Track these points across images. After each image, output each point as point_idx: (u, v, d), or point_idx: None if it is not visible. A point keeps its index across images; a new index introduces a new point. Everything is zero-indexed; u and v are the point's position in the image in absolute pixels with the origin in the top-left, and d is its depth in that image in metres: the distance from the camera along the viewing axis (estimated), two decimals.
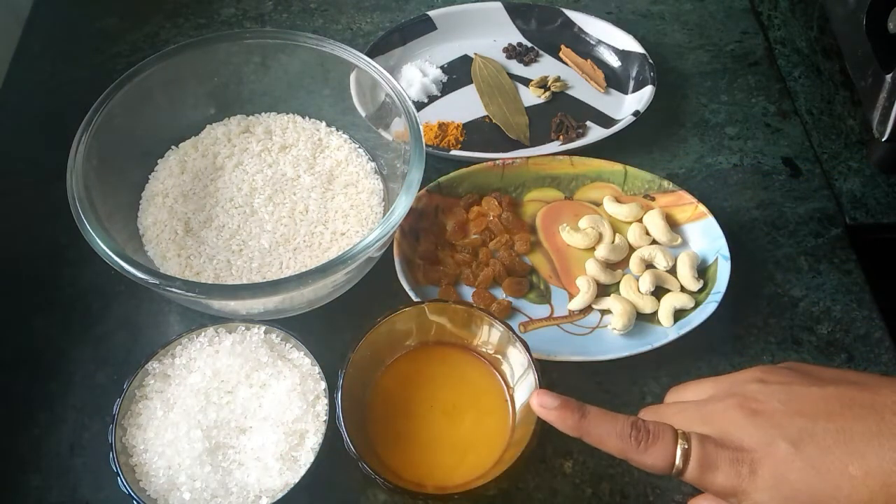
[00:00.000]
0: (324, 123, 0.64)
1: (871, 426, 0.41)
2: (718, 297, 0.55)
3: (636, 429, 0.43)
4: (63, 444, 0.52)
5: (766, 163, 0.66)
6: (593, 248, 0.59)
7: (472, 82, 0.71)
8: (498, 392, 0.50)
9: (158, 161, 0.61)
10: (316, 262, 0.56)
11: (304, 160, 0.61)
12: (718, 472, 0.42)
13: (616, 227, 0.61)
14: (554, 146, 0.65)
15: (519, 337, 0.48)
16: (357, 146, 0.63)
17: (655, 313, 0.56)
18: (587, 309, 0.57)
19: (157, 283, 0.48)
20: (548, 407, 0.44)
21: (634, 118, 0.66)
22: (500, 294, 0.57)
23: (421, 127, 0.55)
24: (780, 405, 0.43)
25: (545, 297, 0.58)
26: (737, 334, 0.56)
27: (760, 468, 0.41)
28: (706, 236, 0.59)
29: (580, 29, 0.74)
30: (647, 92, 0.67)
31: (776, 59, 0.74)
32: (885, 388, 0.42)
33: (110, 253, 0.48)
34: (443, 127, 0.67)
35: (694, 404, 0.45)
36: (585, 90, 0.71)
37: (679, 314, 0.56)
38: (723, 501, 0.43)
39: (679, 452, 0.42)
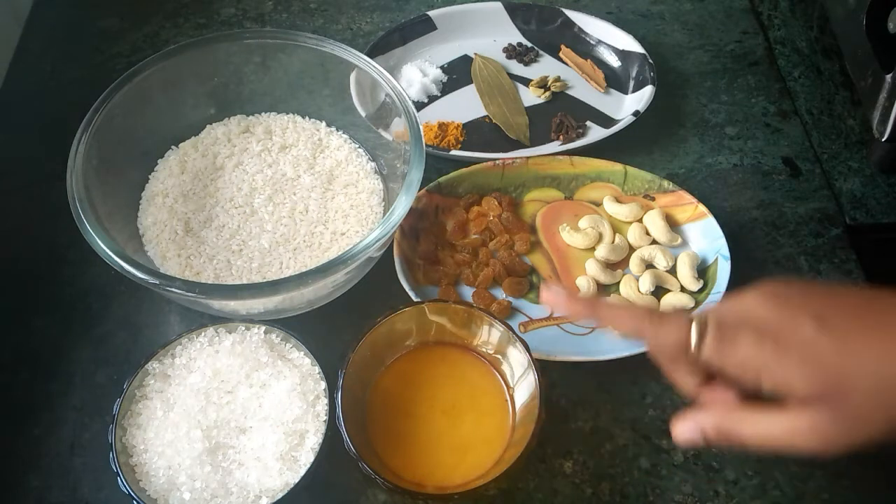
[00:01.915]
0: (324, 123, 0.64)
1: (888, 313, 0.41)
2: (718, 297, 0.55)
3: (650, 311, 0.44)
4: (63, 444, 0.52)
5: (766, 163, 0.66)
6: (593, 248, 0.59)
7: (472, 82, 0.71)
8: (498, 392, 0.50)
9: (158, 161, 0.61)
10: (316, 262, 0.56)
11: (304, 160, 0.61)
12: (739, 346, 0.41)
13: (616, 227, 0.61)
14: (554, 146, 0.65)
15: (519, 337, 0.48)
16: (357, 146, 0.63)
17: None
18: None
19: (157, 283, 0.48)
20: (558, 296, 0.45)
21: (634, 118, 0.66)
22: (500, 294, 0.57)
23: (421, 127, 0.55)
24: (800, 295, 0.42)
25: None
26: None
27: (785, 343, 0.40)
28: (706, 236, 0.59)
29: (580, 29, 0.74)
30: (647, 92, 0.67)
31: (776, 59, 0.74)
32: None
33: (110, 253, 0.48)
34: (443, 127, 0.67)
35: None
36: (585, 90, 0.71)
37: None
38: (737, 385, 0.42)
39: (695, 328, 0.42)
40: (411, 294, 0.55)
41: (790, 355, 0.40)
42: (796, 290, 0.43)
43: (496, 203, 0.61)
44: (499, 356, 0.50)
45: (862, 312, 0.42)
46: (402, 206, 0.51)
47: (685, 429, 0.43)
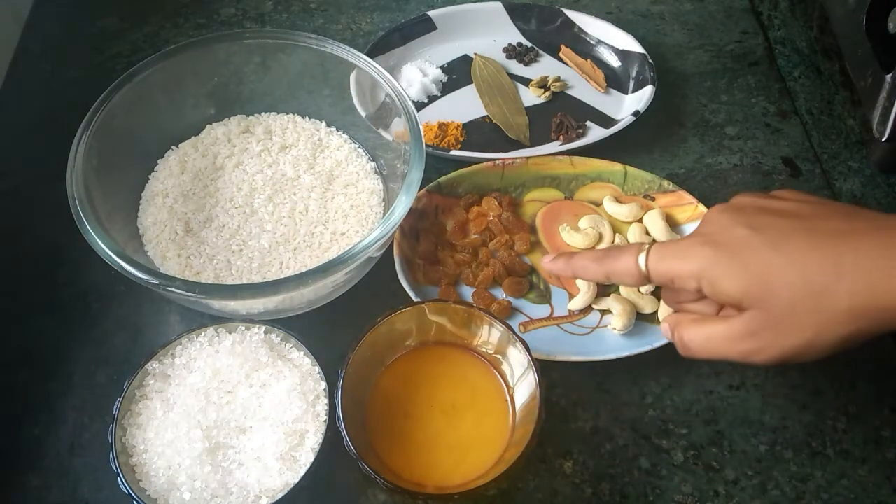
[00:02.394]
0: (324, 123, 0.64)
1: (838, 225, 0.43)
2: None
3: (608, 250, 0.50)
4: (63, 444, 0.52)
5: (766, 163, 0.66)
6: (593, 248, 0.59)
7: (472, 82, 0.71)
8: (498, 392, 0.50)
9: (158, 161, 0.61)
10: (316, 262, 0.56)
11: (304, 160, 0.61)
12: (681, 259, 0.45)
13: (616, 227, 0.61)
14: (554, 146, 0.65)
15: (519, 337, 0.48)
16: (357, 146, 0.63)
17: (655, 313, 0.56)
18: (587, 309, 0.57)
19: (157, 283, 0.48)
20: (547, 260, 0.53)
21: (634, 118, 0.66)
22: (500, 294, 0.57)
23: (421, 127, 0.55)
24: (753, 205, 0.46)
25: (545, 297, 0.58)
26: None
27: (719, 248, 0.43)
28: None
29: (580, 29, 0.74)
30: (647, 92, 0.67)
31: (776, 59, 0.74)
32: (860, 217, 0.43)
33: (110, 253, 0.48)
34: (443, 127, 0.67)
35: None
36: (585, 90, 0.71)
37: None
38: (688, 292, 0.46)
39: (643, 255, 0.46)
40: (411, 294, 0.55)
41: (723, 256, 0.43)
42: (752, 200, 0.46)
43: (496, 203, 0.61)
44: (499, 356, 0.50)
45: (804, 222, 0.43)
46: (402, 206, 0.51)
47: (663, 326, 0.49)
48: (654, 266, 0.46)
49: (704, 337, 0.46)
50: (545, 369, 0.48)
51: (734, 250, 0.43)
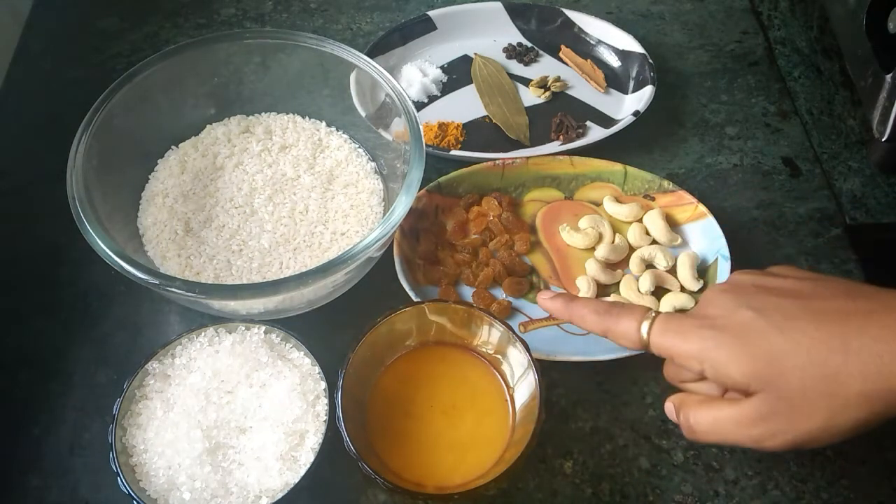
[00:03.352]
0: (324, 123, 0.64)
1: (842, 305, 0.42)
2: None
3: (612, 306, 0.49)
4: (63, 444, 0.52)
5: (766, 163, 0.66)
6: (593, 248, 0.59)
7: (472, 82, 0.71)
8: (498, 392, 0.50)
9: (158, 161, 0.61)
10: (316, 262, 0.56)
11: (304, 160, 0.61)
12: (684, 339, 0.44)
13: (616, 227, 0.61)
14: (554, 146, 0.65)
15: (519, 337, 0.48)
16: (357, 146, 0.63)
17: None
18: None
19: (157, 283, 0.48)
20: (545, 298, 0.51)
21: (634, 118, 0.66)
22: (500, 294, 0.57)
23: (421, 127, 0.55)
24: (752, 285, 0.45)
25: None
26: None
27: (722, 328, 0.43)
28: (706, 236, 0.59)
29: (580, 29, 0.74)
30: (647, 92, 0.67)
31: (776, 59, 0.74)
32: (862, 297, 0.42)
33: (110, 253, 0.48)
34: (443, 127, 0.67)
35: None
36: (585, 90, 0.71)
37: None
38: (689, 370, 0.45)
39: (646, 322, 0.46)
40: (411, 294, 0.55)
41: (726, 340, 0.42)
42: (751, 279, 0.46)
43: (496, 203, 0.61)
44: (499, 356, 0.50)
45: (807, 303, 0.43)
46: (402, 206, 0.51)
47: (667, 407, 0.48)
48: (655, 339, 0.45)
49: (712, 420, 0.44)
50: (545, 369, 0.48)
51: (738, 334, 0.42)
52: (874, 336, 0.40)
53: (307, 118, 0.64)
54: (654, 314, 0.46)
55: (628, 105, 0.69)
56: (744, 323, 0.42)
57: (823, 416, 0.41)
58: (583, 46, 0.74)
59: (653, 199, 0.62)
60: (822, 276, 0.46)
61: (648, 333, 0.46)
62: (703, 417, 0.45)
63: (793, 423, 0.41)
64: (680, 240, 0.59)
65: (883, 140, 0.61)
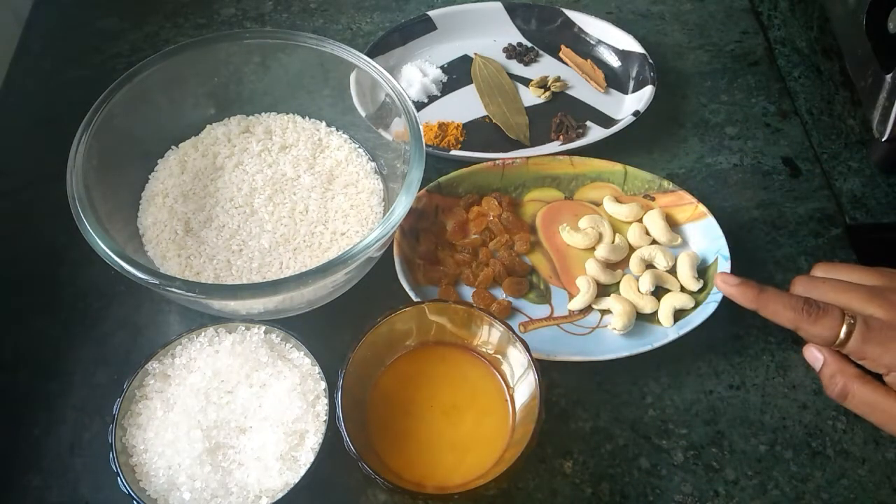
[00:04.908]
0: (324, 123, 0.64)
1: None
2: (718, 297, 0.55)
3: (808, 304, 0.48)
4: (63, 444, 0.52)
5: (766, 163, 0.66)
6: (593, 248, 0.59)
7: (472, 82, 0.71)
8: (498, 392, 0.50)
9: (158, 161, 0.61)
10: (316, 262, 0.56)
11: (304, 160, 0.61)
12: (884, 348, 0.46)
13: (616, 227, 0.61)
14: (554, 146, 0.65)
15: (519, 337, 0.48)
16: (357, 146, 0.63)
17: (655, 313, 0.56)
18: (587, 309, 0.57)
19: (157, 283, 0.48)
20: (729, 284, 0.52)
21: (634, 118, 0.66)
22: (500, 294, 0.57)
23: (421, 127, 0.55)
24: None
25: (545, 297, 0.58)
26: (736, 334, 0.56)
27: None
28: (706, 236, 0.59)
29: (580, 29, 0.74)
30: (647, 92, 0.67)
31: (776, 59, 0.74)
32: None
33: (110, 253, 0.48)
34: (443, 127, 0.67)
35: (863, 287, 0.49)
36: (585, 90, 0.71)
37: (679, 314, 0.56)
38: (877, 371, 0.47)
39: (845, 327, 0.47)
40: (411, 294, 0.55)
41: None
42: None
43: (496, 203, 0.61)
44: (499, 356, 0.50)
45: None
46: (402, 206, 0.51)
47: (813, 355, 0.50)
48: (854, 346, 0.47)
49: (873, 400, 0.47)
50: (545, 369, 0.48)
51: None
52: None
53: (307, 118, 0.64)
54: (852, 321, 0.47)
55: (628, 105, 0.69)
56: None
57: None
58: (583, 46, 0.74)
59: (653, 199, 0.62)
60: None
61: (847, 339, 0.47)
62: (867, 395, 0.47)
63: None
64: (680, 240, 0.59)
65: (883, 140, 0.61)
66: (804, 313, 0.48)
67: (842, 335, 0.47)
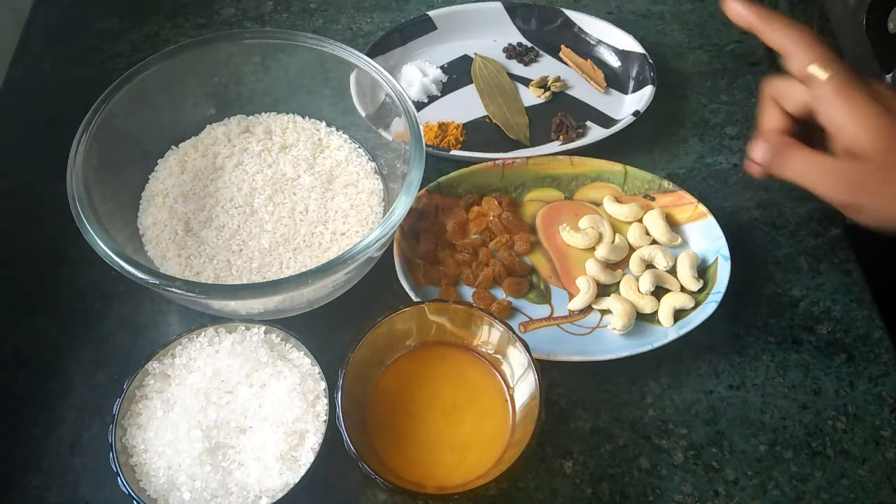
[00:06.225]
0: (324, 123, 0.64)
1: None
2: (718, 297, 0.55)
3: (812, 33, 0.48)
4: (63, 444, 0.52)
5: None
6: (593, 248, 0.59)
7: (472, 82, 0.71)
8: (498, 392, 0.50)
9: (158, 161, 0.61)
10: (316, 262, 0.56)
11: (304, 160, 0.61)
12: (854, 105, 0.46)
13: (616, 227, 0.61)
14: (554, 146, 0.65)
15: (519, 337, 0.48)
16: (357, 146, 0.63)
17: (655, 313, 0.56)
18: (587, 309, 0.57)
19: (157, 283, 0.48)
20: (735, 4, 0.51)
21: (634, 118, 0.66)
22: (500, 294, 0.57)
23: (421, 127, 0.55)
24: None
25: (545, 297, 0.58)
26: (737, 334, 0.56)
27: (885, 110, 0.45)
28: (706, 236, 0.59)
29: (580, 29, 0.74)
30: (647, 92, 0.67)
31: (776, 59, 0.74)
32: None
33: (110, 253, 0.48)
34: (443, 127, 0.67)
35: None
36: (585, 90, 0.71)
37: (679, 314, 0.56)
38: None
39: (822, 67, 0.47)
40: (411, 294, 0.55)
41: (882, 114, 0.45)
42: None
43: (496, 203, 0.61)
44: (499, 356, 0.50)
45: None
46: (402, 206, 0.51)
47: (756, 149, 0.50)
48: (825, 90, 0.47)
49: (809, 163, 0.48)
50: (545, 369, 0.48)
51: (883, 110, 0.45)
52: None
53: (307, 118, 0.64)
54: (832, 66, 0.47)
55: (628, 105, 0.69)
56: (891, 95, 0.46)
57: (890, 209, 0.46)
58: (583, 46, 0.74)
59: (653, 199, 0.62)
60: None
61: (823, 78, 0.47)
62: (804, 158, 0.48)
63: (881, 198, 0.46)
64: (680, 240, 0.59)
65: None
66: (807, 38, 0.48)
67: (823, 70, 0.47)
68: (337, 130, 0.64)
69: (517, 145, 0.66)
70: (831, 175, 0.47)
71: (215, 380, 0.49)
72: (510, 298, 0.57)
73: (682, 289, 0.57)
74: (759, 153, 0.50)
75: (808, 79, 0.48)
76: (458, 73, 0.72)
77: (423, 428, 0.48)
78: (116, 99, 0.56)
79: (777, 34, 0.50)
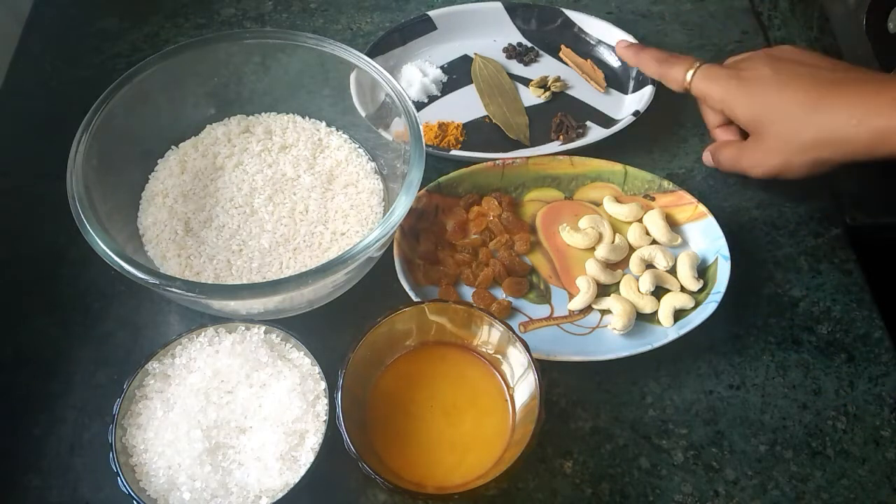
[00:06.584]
0: (324, 123, 0.64)
1: (838, 76, 0.53)
2: (718, 297, 0.55)
3: (669, 56, 0.62)
4: (63, 444, 0.52)
5: None
6: (593, 248, 0.59)
7: (472, 82, 0.71)
8: (498, 392, 0.50)
9: (158, 161, 0.61)
10: (316, 262, 0.56)
11: (304, 160, 0.61)
12: (715, 84, 0.57)
13: (616, 227, 0.61)
14: (554, 146, 0.65)
15: (519, 337, 0.48)
16: (357, 146, 0.63)
17: (655, 313, 0.56)
18: (587, 309, 0.57)
19: (157, 283, 0.48)
20: (621, 47, 0.66)
21: (634, 118, 0.66)
22: (500, 294, 0.57)
23: (421, 127, 0.55)
24: (789, 54, 0.57)
25: (545, 297, 0.58)
26: (737, 334, 0.56)
27: (743, 82, 0.56)
28: (706, 236, 0.59)
29: (580, 29, 0.74)
30: (647, 92, 0.67)
31: None
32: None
33: (110, 253, 0.48)
34: (443, 127, 0.67)
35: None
36: (585, 90, 0.71)
37: (679, 314, 0.56)
38: (716, 114, 0.61)
39: (691, 71, 0.59)
40: (411, 294, 0.55)
41: (742, 88, 0.56)
42: (791, 49, 0.57)
43: (496, 203, 0.61)
44: (499, 356, 0.50)
45: (815, 71, 0.54)
46: (402, 206, 0.51)
47: (704, 155, 0.64)
48: (695, 83, 0.59)
49: (729, 154, 0.60)
50: (545, 369, 0.48)
51: (752, 85, 0.55)
52: (845, 100, 0.51)
53: (307, 118, 0.64)
54: (699, 64, 0.59)
55: (628, 105, 0.69)
56: (760, 77, 0.55)
57: (784, 156, 0.55)
58: (583, 46, 0.74)
59: (653, 199, 0.62)
60: (853, 65, 0.55)
61: (692, 78, 0.59)
62: (726, 153, 0.60)
63: (766, 158, 0.56)
64: (680, 240, 0.59)
65: None
66: (665, 61, 0.61)
67: (689, 76, 0.59)
68: (337, 130, 0.64)
69: (517, 145, 0.66)
70: (737, 156, 0.59)
71: (215, 380, 0.49)
72: (510, 298, 0.57)
73: (682, 289, 0.57)
74: (704, 156, 0.64)
75: (689, 86, 0.59)
76: (458, 73, 0.72)
77: (423, 428, 0.48)
78: (116, 99, 0.56)
79: (648, 68, 0.63)
